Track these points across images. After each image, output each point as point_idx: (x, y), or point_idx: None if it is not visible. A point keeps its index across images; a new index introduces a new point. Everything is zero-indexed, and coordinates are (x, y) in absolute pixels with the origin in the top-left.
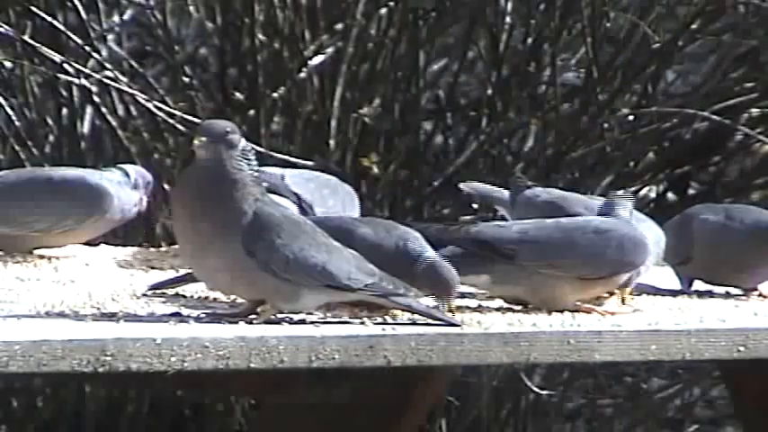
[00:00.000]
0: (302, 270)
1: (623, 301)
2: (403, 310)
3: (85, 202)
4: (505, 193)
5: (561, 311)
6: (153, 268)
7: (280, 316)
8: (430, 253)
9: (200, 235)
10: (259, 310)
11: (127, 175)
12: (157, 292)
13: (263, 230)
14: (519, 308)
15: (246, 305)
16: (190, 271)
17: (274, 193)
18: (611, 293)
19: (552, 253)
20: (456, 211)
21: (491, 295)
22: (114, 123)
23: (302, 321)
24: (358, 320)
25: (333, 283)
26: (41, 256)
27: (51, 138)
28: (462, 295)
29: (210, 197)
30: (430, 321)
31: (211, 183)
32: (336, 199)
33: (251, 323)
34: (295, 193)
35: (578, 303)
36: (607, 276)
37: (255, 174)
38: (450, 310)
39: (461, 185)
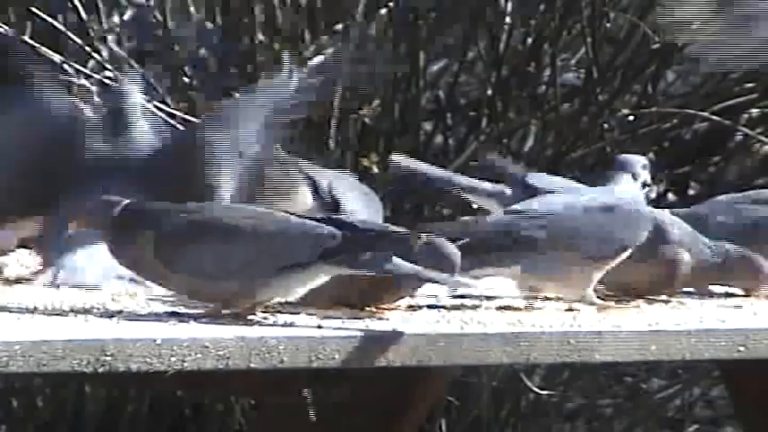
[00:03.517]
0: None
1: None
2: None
3: None
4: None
5: (585, 302)
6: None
7: (281, 317)
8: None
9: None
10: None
11: None
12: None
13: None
14: (519, 308)
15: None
16: None
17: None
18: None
19: (571, 234)
20: (456, 212)
21: (520, 287)
22: None
23: (302, 322)
24: (358, 320)
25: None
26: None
27: None
28: (461, 296)
29: None
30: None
31: None
32: (355, 195)
33: (251, 324)
34: (310, 177)
35: (597, 294)
36: (616, 254)
37: None
38: None
39: (392, 158)
